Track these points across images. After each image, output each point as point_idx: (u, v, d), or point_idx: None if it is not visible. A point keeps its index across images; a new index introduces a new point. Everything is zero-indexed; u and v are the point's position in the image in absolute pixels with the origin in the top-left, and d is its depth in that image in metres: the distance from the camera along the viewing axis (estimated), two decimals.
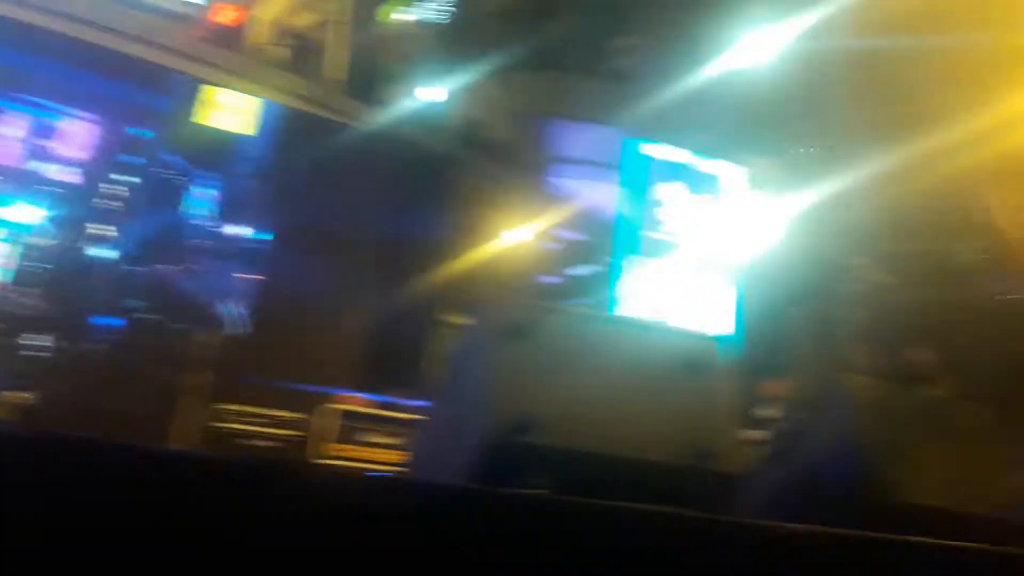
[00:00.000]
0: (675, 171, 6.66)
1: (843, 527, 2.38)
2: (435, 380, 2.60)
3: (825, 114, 5.55)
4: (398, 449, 6.16)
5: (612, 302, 6.62)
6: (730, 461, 2.22)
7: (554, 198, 7.92)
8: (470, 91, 7.51)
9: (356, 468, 6.21)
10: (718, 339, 5.16)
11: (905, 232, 6.08)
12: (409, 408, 6.42)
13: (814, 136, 5.67)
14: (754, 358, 5.49)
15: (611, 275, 6.81)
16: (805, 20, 5.39)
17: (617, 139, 6.86)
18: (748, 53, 5.93)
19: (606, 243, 6.97)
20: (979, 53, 5.99)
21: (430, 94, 7.60)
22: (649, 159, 6.61)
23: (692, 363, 2.24)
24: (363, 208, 7.42)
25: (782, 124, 5.59)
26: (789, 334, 4.05)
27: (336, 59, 8.12)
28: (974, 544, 2.34)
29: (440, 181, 7.63)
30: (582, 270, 7.96)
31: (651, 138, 6.61)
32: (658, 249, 6.48)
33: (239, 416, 6.51)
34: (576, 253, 8.02)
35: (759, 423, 4.95)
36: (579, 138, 7.72)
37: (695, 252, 6.53)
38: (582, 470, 2.09)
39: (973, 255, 6.83)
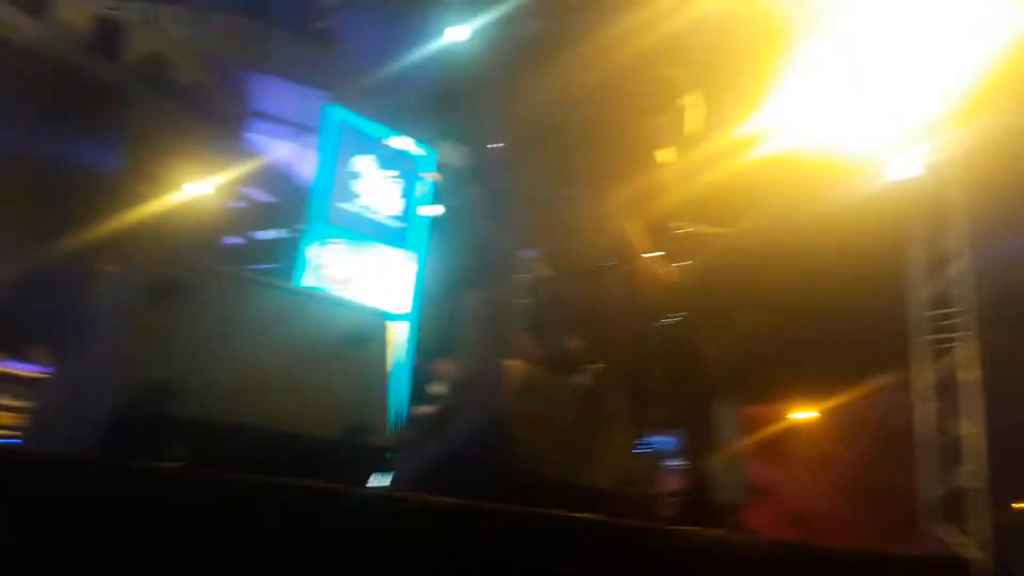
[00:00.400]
0: (372, 145, 6.62)
1: (489, 500, 2.54)
2: (71, 338, 2.31)
3: (512, 108, 5.87)
4: (24, 412, 5.42)
5: (297, 270, 6.43)
6: (386, 435, 2.25)
7: (246, 154, 7.44)
8: (155, 22, 6.77)
9: None
10: (395, 316, 5.23)
11: (561, 229, 6.68)
12: (42, 368, 5.67)
13: (500, 128, 5.97)
14: (431, 337, 5.66)
15: (299, 242, 6.60)
16: (503, 9, 5.63)
17: (318, 104, 6.65)
18: (451, 39, 6.06)
19: (297, 209, 6.74)
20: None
21: (108, 17, 6.68)
22: (348, 129, 6.49)
23: (356, 337, 2.22)
24: (4, 137, 6.34)
25: (474, 113, 5.82)
26: (461, 316, 4.24)
27: None
28: (596, 516, 2.62)
29: (109, 116, 6.77)
30: (268, 234, 7.62)
31: (352, 109, 6.50)
32: (348, 220, 6.40)
33: None
34: (264, 215, 7.64)
35: (430, 399, 5.12)
36: (279, 96, 7.34)
37: (383, 227, 6.56)
38: (228, 443, 1.98)
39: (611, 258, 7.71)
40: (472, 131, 6.05)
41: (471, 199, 5.66)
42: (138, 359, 1.86)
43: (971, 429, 6.51)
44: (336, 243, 6.33)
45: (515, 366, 2.93)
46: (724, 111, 6.57)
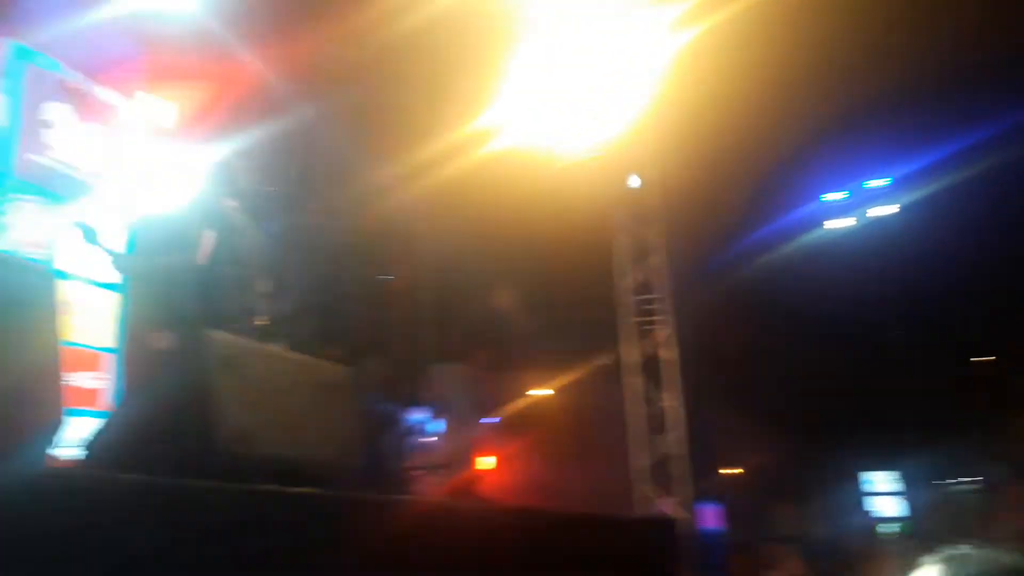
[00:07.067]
0: (67, 93, 5.85)
1: (195, 474, 2.36)
2: None
3: (234, 80, 5.56)
4: None
5: None
6: (50, 409, 2.00)
7: None
8: None
9: None
10: (108, 285, 4.66)
11: (297, 206, 6.51)
12: None
13: (223, 98, 5.61)
14: (146, 307, 5.15)
15: None
16: None
17: (3, 43, 5.73)
18: None
19: None
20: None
21: None
22: (38, 72, 5.67)
23: (17, 299, 1.94)
24: None
25: (187, 73, 5.37)
26: (171, 284, 3.90)
27: None
28: (312, 489, 2.54)
29: None
30: None
31: (43, 51, 5.68)
32: (41, 175, 5.62)
33: None
34: None
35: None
36: None
37: (83, 185, 5.86)
38: None
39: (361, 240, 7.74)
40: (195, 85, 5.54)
41: (191, 156, 5.18)
42: None
43: (671, 402, 7.24)
44: (27, 201, 5.53)
45: (221, 336, 2.75)
46: (457, 108, 6.81)
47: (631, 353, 7.53)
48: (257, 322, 4.29)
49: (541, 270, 9.74)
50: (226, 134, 5.65)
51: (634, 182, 7.68)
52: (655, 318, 7.48)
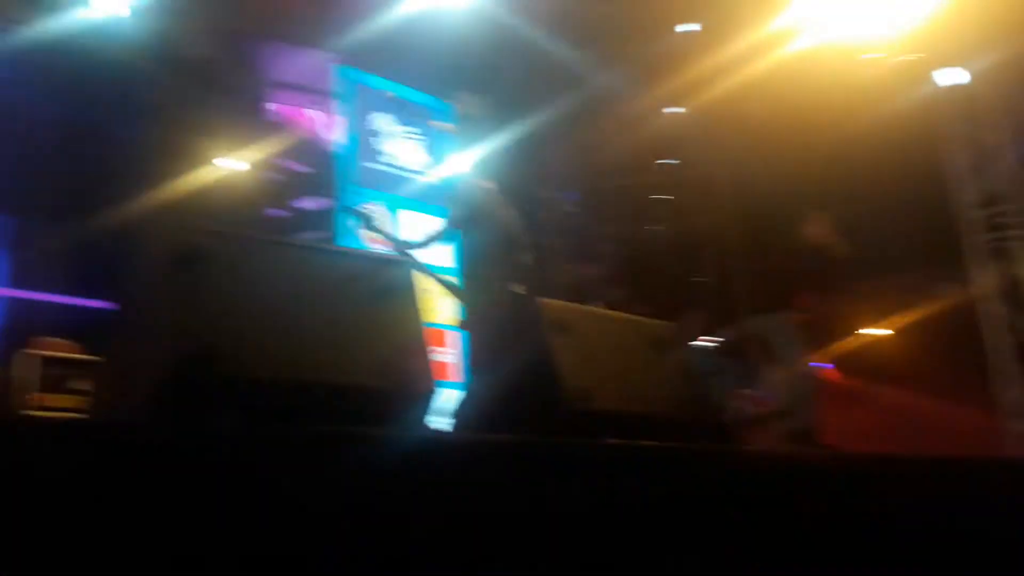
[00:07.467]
0: (387, 102, 6.60)
1: (543, 434, 2.56)
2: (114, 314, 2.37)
3: (524, 55, 5.82)
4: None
5: (338, 235, 6.50)
6: (423, 381, 2.28)
7: (272, 126, 7.45)
8: (163, 3, 6.67)
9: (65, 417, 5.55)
10: (442, 269, 5.24)
11: (603, 171, 6.63)
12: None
13: (516, 77, 5.91)
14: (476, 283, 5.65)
15: (336, 206, 6.67)
16: None
17: (331, 66, 6.61)
18: None
19: (328, 174, 6.78)
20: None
21: (111, 4, 6.55)
22: (363, 88, 6.47)
23: (384, 289, 2.25)
24: (32, 128, 6.38)
25: (486, 62, 5.74)
26: (501, 261, 4.25)
27: None
28: (654, 442, 2.63)
29: (130, 101, 6.75)
30: (310, 203, 7.67)
31: (365, 68, 6.47)
32: (376, 180, 6.43)
33: None
34: (302, 185, 7.69)
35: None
36: (292, 63, 7.29)
37: (412, 184, 6.59)
38: (275, 399, 2.03)
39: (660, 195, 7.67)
40: (493, 79, 5.94)
41: (497, 146, 5.58)
42: (178, 326, 1.90)
43: None
44: (370, 204, 6.37)
45: (553, 302, 2.94)
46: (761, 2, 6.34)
47: (985, 276, 6.63)
48: (574, 286, 4.51)
49: (859, 194, 8.91)
50: (516, 117, 5.97)
51: (963, 77, 6.68)
52: (1011, 232, 6.50)
